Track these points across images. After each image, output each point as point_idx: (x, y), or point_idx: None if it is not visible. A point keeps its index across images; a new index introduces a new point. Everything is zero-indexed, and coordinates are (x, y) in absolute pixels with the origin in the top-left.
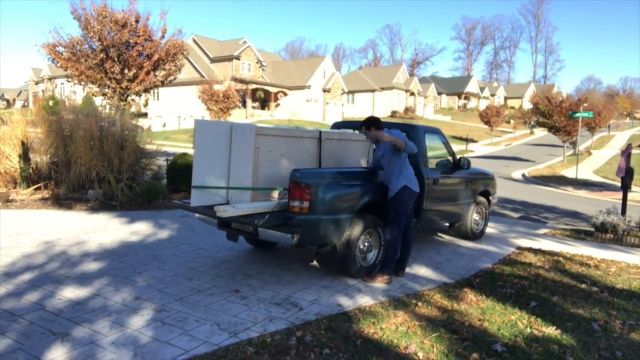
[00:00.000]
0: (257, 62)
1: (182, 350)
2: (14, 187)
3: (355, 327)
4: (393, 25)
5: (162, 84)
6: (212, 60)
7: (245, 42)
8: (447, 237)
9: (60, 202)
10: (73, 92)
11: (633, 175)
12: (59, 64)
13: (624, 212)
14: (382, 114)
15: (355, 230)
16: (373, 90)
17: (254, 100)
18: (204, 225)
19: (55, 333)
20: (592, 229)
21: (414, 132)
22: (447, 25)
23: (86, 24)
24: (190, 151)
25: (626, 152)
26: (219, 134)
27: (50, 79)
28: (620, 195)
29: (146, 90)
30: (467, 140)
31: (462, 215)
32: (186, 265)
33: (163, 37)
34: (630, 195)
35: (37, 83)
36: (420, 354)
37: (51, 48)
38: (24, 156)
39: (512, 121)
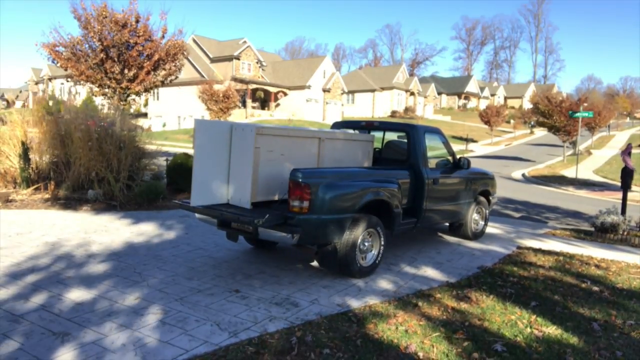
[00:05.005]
0: (257, 62)
1: (183, 350)
2: (14, 187)
3: (356, 327)
4: (393, 25)
5: (162, 84)
6: (212, 60)
7: (245, 42)
8: (447, 237)
9: (60, 202)
10: (75, 93)
11: (633, 175)
12: (59, 64)
13: (624, 212)
14: (382, 113)
15: (355, 230)
16: (373, 90)
17: (254, 100)
18: (204, 225)
19: (55, 333)
20: (593, 229)
21: (414, 131)
22: (447, 25)
23: (86, 23)
24: (190, 151)
25: (626, 152)
26: (219, 134)
27: (50, 79)
28: (620, 195)
29: (146, 90)
30: (467, 140)
31: (462, 215)
32: (186, 265)
33: (163, 37)
34: (630, 195)
35: (37, 83)
36: (421, 354)
37: (51, 48)
38: (24, 156)
39: (512, 121)
